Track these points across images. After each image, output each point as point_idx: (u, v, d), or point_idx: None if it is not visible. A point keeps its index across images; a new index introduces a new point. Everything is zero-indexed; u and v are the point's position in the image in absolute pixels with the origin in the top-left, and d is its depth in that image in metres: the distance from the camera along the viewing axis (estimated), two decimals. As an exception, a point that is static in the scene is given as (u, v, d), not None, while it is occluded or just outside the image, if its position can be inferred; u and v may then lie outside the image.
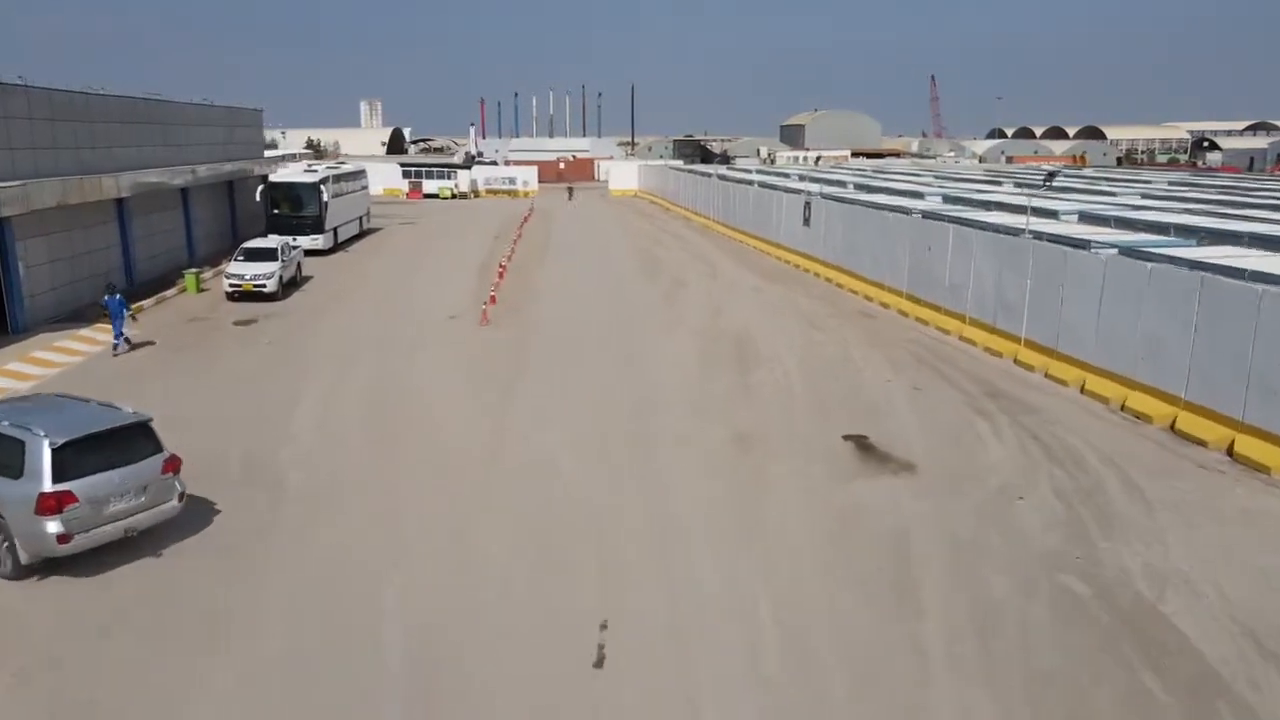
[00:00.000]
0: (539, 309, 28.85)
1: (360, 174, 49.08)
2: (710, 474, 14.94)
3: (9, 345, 22.16)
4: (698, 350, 23.38)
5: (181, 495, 12.50)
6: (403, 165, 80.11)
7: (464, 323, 26.51)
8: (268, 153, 79.86)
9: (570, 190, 78.15)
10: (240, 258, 30.15)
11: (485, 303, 27.92)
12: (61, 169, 25.72)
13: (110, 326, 22.65)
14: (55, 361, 21.40)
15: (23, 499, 10.99)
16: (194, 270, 31.28)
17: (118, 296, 22.40)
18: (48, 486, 10.98)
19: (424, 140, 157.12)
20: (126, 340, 22.62)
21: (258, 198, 38.93)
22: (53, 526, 10.97)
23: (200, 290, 30.86)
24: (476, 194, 77.17)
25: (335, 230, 41.31)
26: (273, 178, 40.52)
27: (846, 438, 16.64)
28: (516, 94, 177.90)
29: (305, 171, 42.81)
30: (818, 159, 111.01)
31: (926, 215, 29.36)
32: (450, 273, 35.93)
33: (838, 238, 33.64)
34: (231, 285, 29.06)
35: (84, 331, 23.95)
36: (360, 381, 20.36)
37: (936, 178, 57.91)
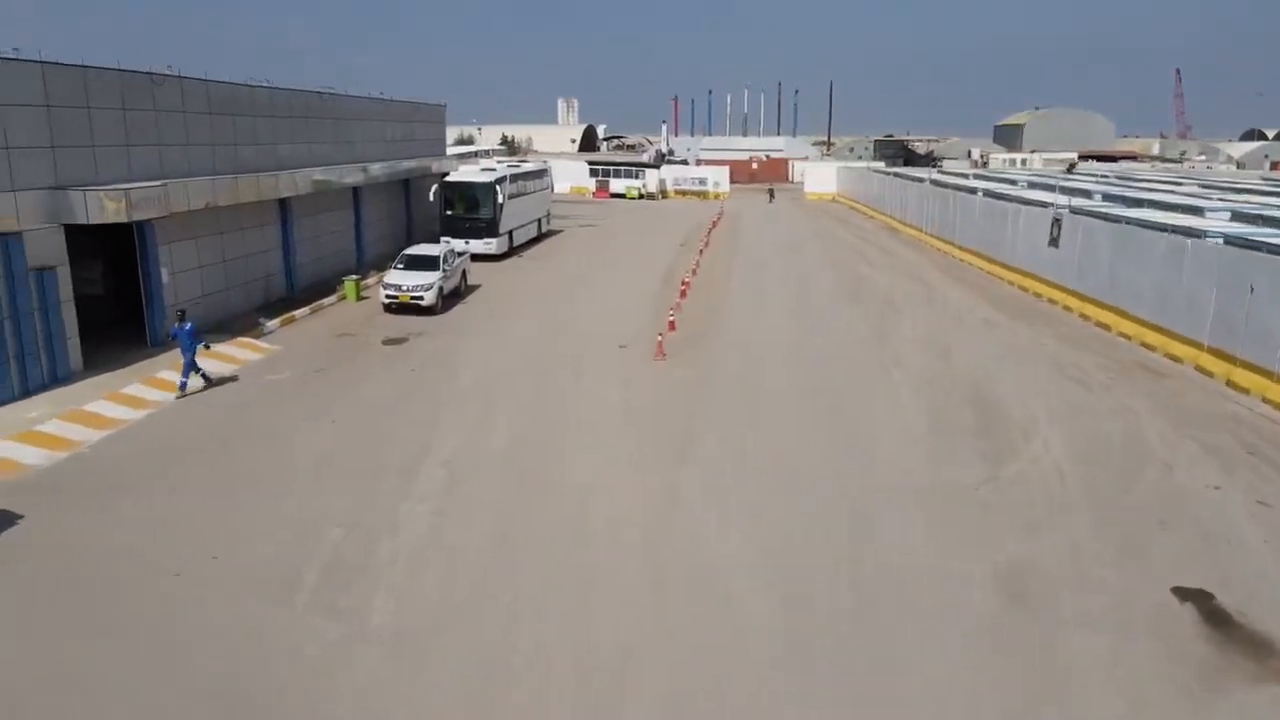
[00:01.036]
0: (724, 340, 24.35)
1: (542, 173, 46.40)
2: (975, 663, 9.77)
3: (139, 361, 20.13)
4: (924, 410, 18.09)
5: None
6: (590, 163, 77.91)
7: (636, 355, 22.42)
8: (462, 148, 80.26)
9: (771, 192, 73.22)
10: (400, 266, 27.55)
11: (662, 331, 23.73)
12: (218, 167, 23.81)
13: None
14: (194, 380, 19.12)
15: None
16: (355, 277, 29.04)
17: (188, 326, 18.65)
18: None
19: (616, 137, 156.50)
20: (205, 377, 19.06)
21: (431, 197, 36.73)
22: None
23: (360, 298, 28.57)
24: (664, 194, 73.73)
25: (510, 234, 38.61)
26: (448, 177, 38.28)
27: (1180, 594, 11.05)
28: (710, 91, 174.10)
29: (482, 171, 40.40)
30: (1042, 161, 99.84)
31: (1233, 241, 22.38)
32: (627, 287, 32.09)
33: (1099, 264, 26.96)
34: (388, 296, 26.45)
35: (224, 347, 21.74)
36: (501, 437, 16.57)
37: (1204, 187, 48.44)
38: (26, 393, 17.54)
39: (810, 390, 19.64)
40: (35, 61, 17.87)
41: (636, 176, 73.33)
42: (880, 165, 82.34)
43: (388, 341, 23.60)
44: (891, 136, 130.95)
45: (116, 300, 23.35)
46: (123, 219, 18.98)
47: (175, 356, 20.57)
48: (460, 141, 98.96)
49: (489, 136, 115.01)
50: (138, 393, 18.26)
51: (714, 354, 22.73)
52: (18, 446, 15.20)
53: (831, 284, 33.40)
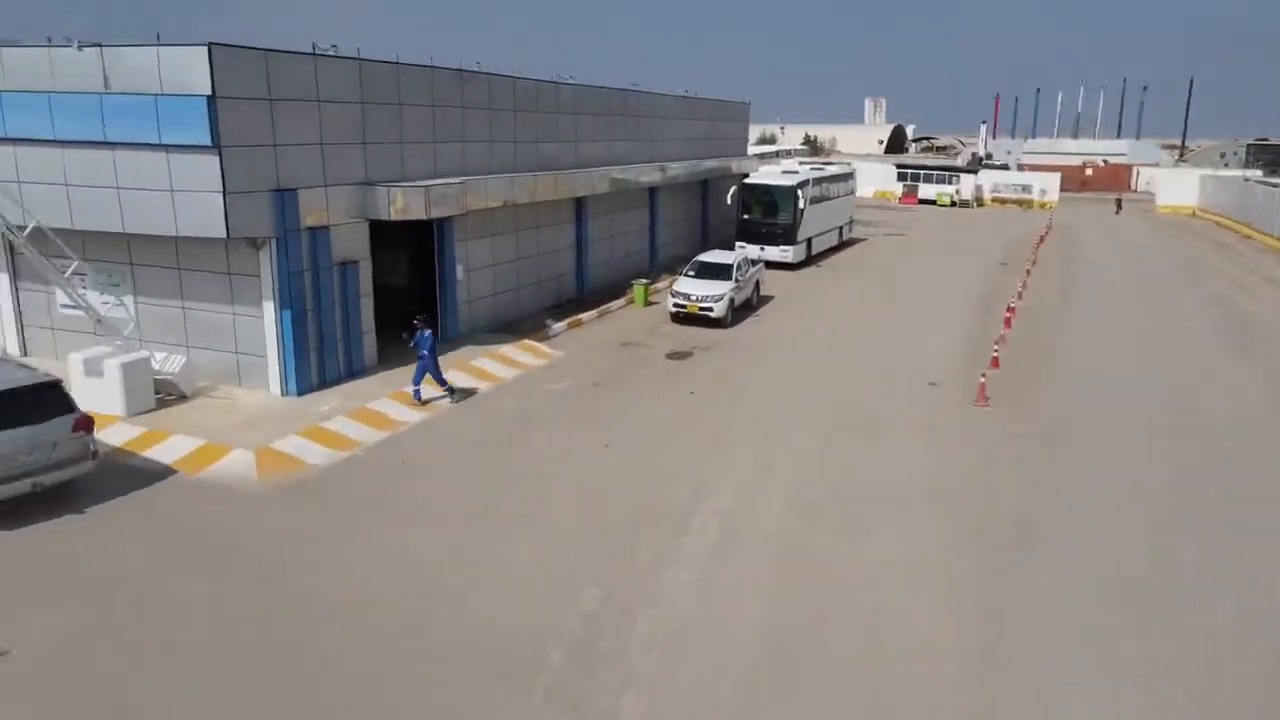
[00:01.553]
0: (1063, 386, 20.09)
1: (847, 176, 43.13)
2: None
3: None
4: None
5: (94, 454, 13.00)
6: (899, 166, 72.83)
7: (950, 396, 18.95)
8: (763, 148, 78.55)
9: (1119, 202, 64.24)
10: (690, 273, 25.92)
11: (984, 368, 20.00)
12: (519, 164, 23.48)
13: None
14: (473, 382, 18.63)
15: None
16: (644, 281, 27.89)
17: (426, 333, 17.37)
18: None
19: (926, 139, 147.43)
20: (450, 389, 17.73)
21: (729, 200, 34.99)
22: None
23: (648, 304, 27.36)
24: (980, 202, 67.11)
25: (809, 241, 35.92)
26: (748, 179, 36.32)
27: None
28: (1039, 89, 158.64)
29: (783, 174, 38.00)
30: None
31: None
32: (938, 310, 28.25)
33: None
34: (676, 305, 24.90)
35: (509, 349, 21.22)
36: (782, 492, 14.10)
37: None
38: (324, 383, 17.79)
39: (1191, 472, 15.19)
40: (353, 59, 18.05)
41: (949, 181, 67.34)
42: (1257, 174, 69.29)
43: (671, 355, 21.97)
44: (1265, 140, 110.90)
45: (418, 291, 23.80)
46: (421, 216, 18.82)
47: (463, 356, 20.35)
48: (761, 141, 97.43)
49: (791, 136, 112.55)
50: (423, 392, 17.94)
51: (1053, 403, 18.67)
52: (305, 443, 15.16)
53: (1207, 325, 27.20)
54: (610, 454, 15.42)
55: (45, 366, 16.55)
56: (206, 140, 15.25)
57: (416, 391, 17.44)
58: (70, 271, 16.81)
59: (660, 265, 32.27)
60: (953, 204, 65.29)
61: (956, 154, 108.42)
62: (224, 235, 15.74)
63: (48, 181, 16.83)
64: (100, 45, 15.82)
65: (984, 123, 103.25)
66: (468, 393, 18.30)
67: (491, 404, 17.99)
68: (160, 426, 15.51)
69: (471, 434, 16.31)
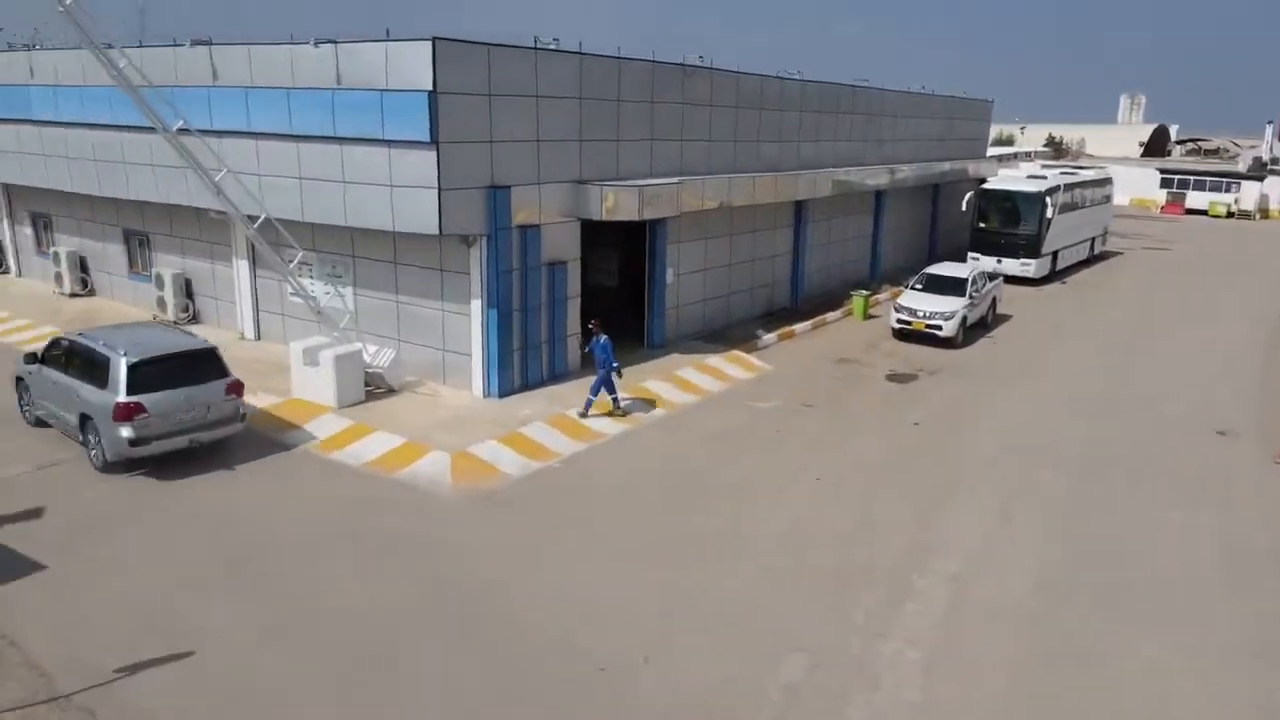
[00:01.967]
0: (1393, 445, 16.21)
1: (1103, 183, 38.48)
2: None
3: (629, 365, 19.14)
4: None
5: (243, 417, 14.18)
6: (1162, 172, 64.98)
7: (1241, 448, 15.74)
8: (1000, 150, 72.69)
9: None
10: (918, 286, 23.57)
11: (1285, 418, 16.54)
12: (739, 164, 22.19)
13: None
14: (676, 393, 17.60)
15: (106, 406, 13.05)
16: (865, 292, 25.79)
17: (602, 339, 16.16)
18: (122, 397, 12.95)
19: (1193, 140, 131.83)
20: (616, 403, 16.51)
21: (964, 207, 31.97)
22: (125, 432, 12.98)
23: (867, 317, 25.26)
24: (1265, 213, 58.50)
25: (1054, 254, 32.21)
26: (987, 184, 33.06)
27: None
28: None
29: (1029, 179, 34.32)
30: None
31: None
32: (1215, 340, 24.18)
33: None
34: (900, 321, 22.70)
35: (716, 360, 20.00)
36: (1026, 564, 11.92)
37: None
38: (525, 386, 17.35)
39: None
40: (574, 53, 17.43)
41: (1226, 189, 59.18)
42: None
43: (893, 378, 19.91)
44: None
45: (626, 293, 23.13)
46: (633, 217, 17.95)
47: (668, 365, 19.36)
48: (998, 142, 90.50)
49: (1032, 137, 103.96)
50: (624, 403, 17.09)
51: (1380, 469, 15.02)
52: (501, 450, 14.66)
53: None
54: (822, 489, 13.81)
55: (273, 351, 17.51)
56: (425, 136, 15.08)
57: (587, 403, 16.44)
58: (296, 261, 17.34)
59: (882, 275, 29.92)
60: (1229, 214, 57.31)
61: (1233, 157, 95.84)
62: (436, 232, 15.55)
63: (283, 175, 17.42)
64: (335, 42, 16.09)
65: (1270, 122, 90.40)
66: (649, 408, 17.24)
67: (695, 419, 16.83)
68: (365, 421, 15.55)
69: (672, 452, 15.21)
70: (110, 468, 13.40)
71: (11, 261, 27.13)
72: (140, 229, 22.74)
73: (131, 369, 13.07)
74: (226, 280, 20.92)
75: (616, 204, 17.65)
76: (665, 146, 19.87)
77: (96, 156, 21.38)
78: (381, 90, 15.55)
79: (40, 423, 15.13)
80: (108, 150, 20.88)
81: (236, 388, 14.04)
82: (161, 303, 21.82)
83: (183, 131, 14.97)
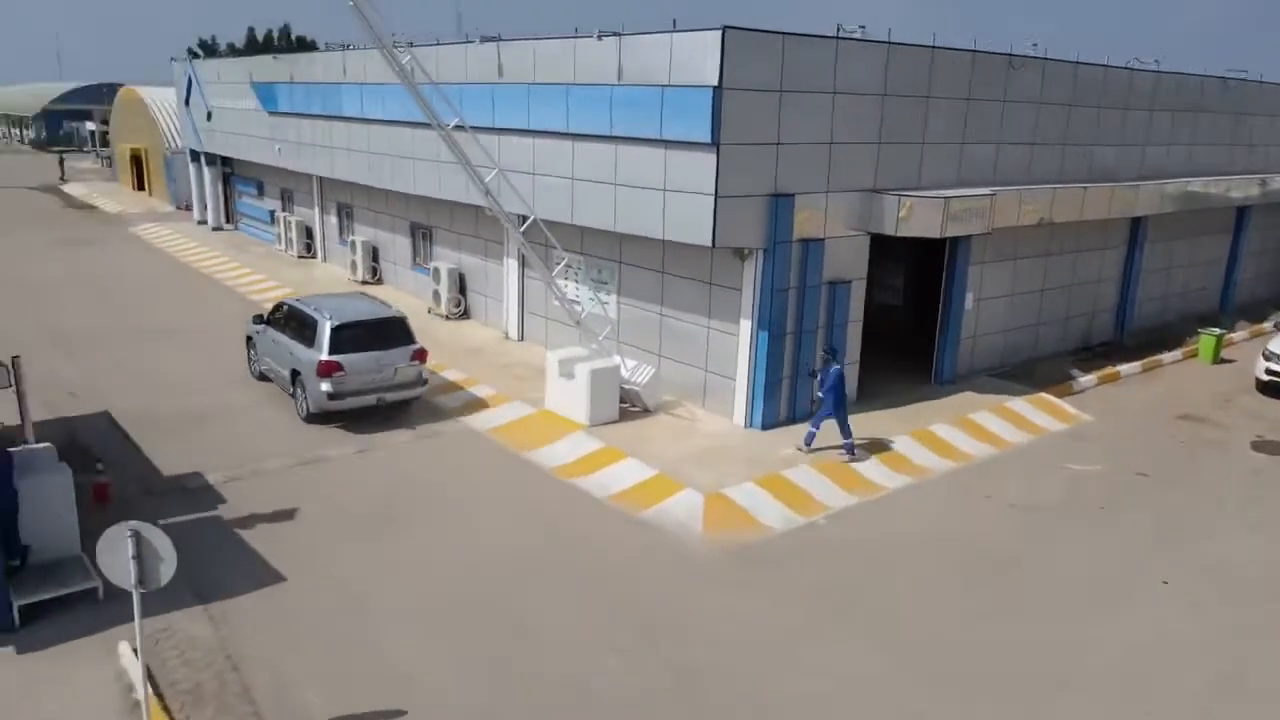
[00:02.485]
0: None
1: None
2: None
3: (915, 402, 16.54)
4: None
5: (424, 381, 15.58)
6: None
7: None
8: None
9: None
10: (1297, 329, 18.78)
11: None
12: (1066, 172, 18.71)
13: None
14: (969, 442, 14.88)
15: (311, 363, 14.65)
16: (1215, 330, 21.08)
17: (833, 368, 13.97)
18: (325, 356, 14.54)
19: None
20: (849, 447, 14.06)
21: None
22: (325, 386, 14.54)
23: (1218, 361, 20.63)
24: None
25: None
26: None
27: None
28: None
29: None
30: None
31: None
32: None
33: None
34: (1270, 373, 18.12)
35: (1016, 402, 16.85)
36: None
37: None
38: (791, 418, 15.38)
39: None
40: (881, 42, 15.11)
41: None
42: None
43: (1261, 446, 15.73)
44: None
45: (912, 314, 20.42)
46: (933, 234, 15.36)
47: (957, 405, 16.56)
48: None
49: None
50: (904, 449, 14.65)
51: None
52: (760, 495, 12.83)
53: None
54: (1171, 601, 10.66)
55: (534, 354, 17.05)
56: (705, 136, 13.52)
57: (810, 434, 14.20)
58: (561, 266, 16.51)
59: (1236, 309, 24.61)
60: None
61: None
62: (709, 244, 13.96)
63: (556, 174, 16.67)
64: (619, 34, 14.97)
65: None
66: (856, 456, 14.53)
67: (993, 479, 14.01)
68: (616, 443, 14.33)
69: (966, 521, 12.60)
70: (312, 418, 15.04)
71: (319, 247, 29.26)
72: (425, 223, 23.32)
73: (334, 331, 14.67)
74: (497, 278, 20.78)
75: (914, 217, 15.15)
76: (978, 151, 16.97)
77: (390, 152, 22.07)
78: (662, 86, 14.21)
79: (263, 377, 17.08)
80: (399, 146, 21.44)
81: (421, 355, 15.46)
82: (436, 296, 22.17)
83: (458, 128, 14.47)
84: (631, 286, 17.04)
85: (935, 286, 17.75)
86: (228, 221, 36.16)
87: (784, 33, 13.85)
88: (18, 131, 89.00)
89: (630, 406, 15.86)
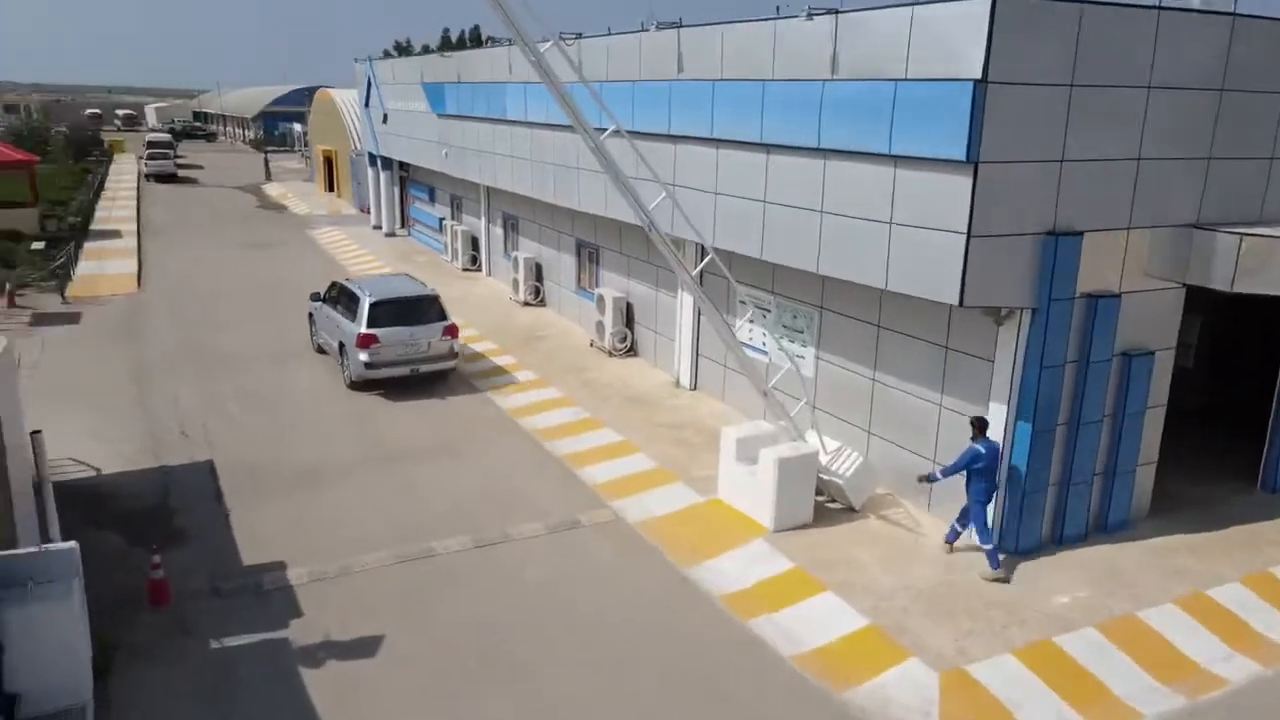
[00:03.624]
0: None
1: None
2: None
3: (1242, 523, 11.72)
4: None
5: (455, 354, 16.80)
6: None
7: None
8: None
9: None
10: None
11: None
12: None
13: None
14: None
15: (353, 335, 15.98)
16: None
17: (980, 446, 10.29)
18: (364, 329, 15.80)
19: None
20: (995, 554, 10.40)
21: None
22: (363, 356, 15.85)
23: None
24: None
25: None
26: None
27: None
28: None
29: None
30: None
31: None
32: None
33: None
34: None
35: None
36: None
37: None
38: (1057, 540, 11.13)
39: None
40: (1223, 14, 10.49)
41: None
42: None
43: None
44: None
45: (1220, 387, 15.28)
46: (1270, 290, 10.60)
47: (1265, 532, 11.63)
48: None
49: None
50: (1239, 605, 10.03)
51: None
52: (1023, 676, 8.76)
53: None
54: None
55: (708, 410, 15.66)
56: (958, 151, 9.53)
57: (953, 531, 10.70)
58: (745, 318, 12.95)
59: None
60: None
61: None
62: (955, 300, 9.95)
63: (743, 195, 13.10)
64: (836, 12, 11.19)
65: None
66: (1001, 576, 9.72)
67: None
68: (810, 564, 10.61)
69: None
70: (354, 386, 16.35)
71: (484, 260, 27.11)
72: (591, 242, 20.37)
73: (372, 306, 16.00)
74: (669, 313, 17.46)
75: (1268, 265, 10.44)
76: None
77: (554, 160, 19.24)
78: (895, 81, 10.33)
79: (320, 350, 18.47)
80: (564, 154, 18.54)
81: (452, 330, 16.68)
82: (599, 328, 19.14)
83: (615, 134, 11.09)
84: (835, 340, 13.21)
85: (1245, 344, 12.75)
86: (402, 226, 35.05)
87: (1083, 0, 9.61)
88: (240, 132, 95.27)
89: (828, 501, 12.09)
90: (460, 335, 20.23)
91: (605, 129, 10.83)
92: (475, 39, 66.10)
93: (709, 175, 13.77)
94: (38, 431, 8.79)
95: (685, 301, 16.73)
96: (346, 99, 42.98)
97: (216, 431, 14.56)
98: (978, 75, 9.29)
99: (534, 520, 11.88)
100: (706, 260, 11.44)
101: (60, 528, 9.94)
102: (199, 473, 13.04)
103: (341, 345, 16.68)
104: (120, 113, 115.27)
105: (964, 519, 10.73)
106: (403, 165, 33.71)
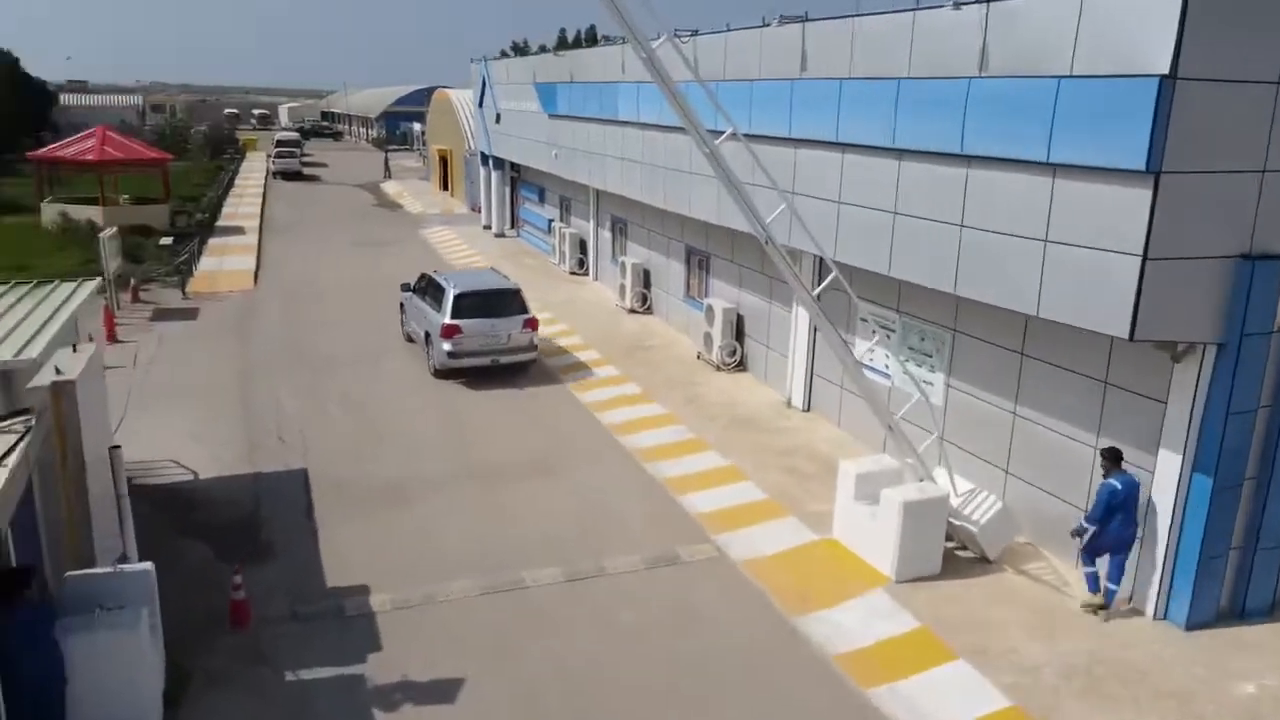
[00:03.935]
0: None
1: None
2: None
3: None
4: None
5: (534, 347, 17.26)
6: None
7: None
8: None
9: None
10: None
11: None
12: None
13: None
14: None
15: (437, 325, 16.60)
16: None
17: (1115, 481, 9.15)
18: (448, 319, 16.41)
19: None
20: (1110, 596, 9.44)
21: None
22: (447, 346, 16.44)
23: None
24: None
25: None
26: None
27: None
28: None
29: None
30: None
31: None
32: None
33: None
34: None
35: None
36: None
37: None
38: (1238, 614, 9.60)
39: None
40: None
41: None
42: None
43: None
44: None
45: None
46: None
47: None
48: None
49: None
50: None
51: None
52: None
53: None
54: None
55: (821, 434, 14.11)
56: (1137, 159, 8.15)
57: (1092, 578, 9.52)
58: (872, 342, 11.75)
59: None
60: None
61: None
62: (1125, 333, 8.55)
63: (871, 206, 11.91)
64: (986, 0, 9.91)
65: None
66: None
67: None
68: (938, 624, 9.38)
69: None
70: (438, 374, 16.92)
71: (591, 265, 26.51)
72: (702, 249, 19.42)
73: (457, 298, 16.51)
74: (783, 327, 16.35)
75: None
76: None
77: (664, 164, 18.38)
78: (1058, 78, 8.99)
79: (409, 338, 19.12)
80: (677, 158, 17.64)
81: (532, 324, 17.13)
82: (707, 340, 18.17)
83: (731, 138, 10.06)
84: (970, 366, 11.86)
85: None
86: (511, 227, 34.91)
87: (1299, -21, 8.07)
88: (364, 131, 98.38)
89: (958, 548, 10.80)
90: (563, 343, 19.70)
91: (721, 132, 9.81)
92: (590, 39, 66.04)
93: (832, 183, 12.62)
94: (117, 447, 8.43)
95: (800, 316, 15.59)
96: (462, 99, 43.31)
97: (313, 437, 14.29)
98: (1164, 70, 7.90)
99: (630, 552, 11.01)
100: (830, 279, 10.25)
101: (149, 539, 9.70)
102: (292, 482, 12.72)
103: (428, 334, 17.32)
104: (256, 112, 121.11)
105: (1114, 576, 9.35)
106: (514, 165, 33.53)
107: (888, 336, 12.88)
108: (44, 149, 33.75)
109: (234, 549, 10.72)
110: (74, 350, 8.58)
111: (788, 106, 13.42)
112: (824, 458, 13.52)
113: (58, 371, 7.84)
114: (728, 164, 9.29)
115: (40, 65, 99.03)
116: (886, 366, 13.23)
